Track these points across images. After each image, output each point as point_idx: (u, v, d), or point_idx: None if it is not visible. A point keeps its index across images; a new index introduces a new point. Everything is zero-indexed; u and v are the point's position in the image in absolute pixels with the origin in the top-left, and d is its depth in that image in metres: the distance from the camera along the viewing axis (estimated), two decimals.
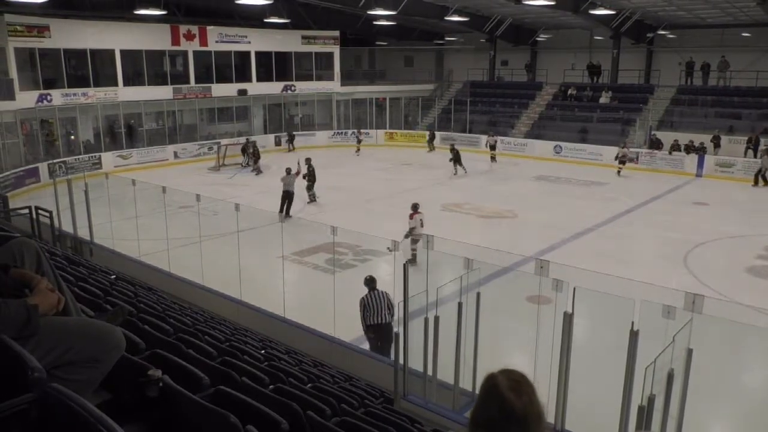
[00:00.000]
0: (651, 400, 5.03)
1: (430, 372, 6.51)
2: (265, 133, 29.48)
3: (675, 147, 24.21)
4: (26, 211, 12.15)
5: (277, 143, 29.19)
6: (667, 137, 24.76)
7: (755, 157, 22.70)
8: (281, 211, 15.84)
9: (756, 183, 21.17)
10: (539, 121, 29.78)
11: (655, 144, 24.85)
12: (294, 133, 29.44)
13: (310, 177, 17.93)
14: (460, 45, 36.93)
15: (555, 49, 33.99)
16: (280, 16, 26.43)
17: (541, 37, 34.70)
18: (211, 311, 8.28)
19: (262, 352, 5.24)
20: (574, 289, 5.60)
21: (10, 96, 20.36)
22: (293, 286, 11.30)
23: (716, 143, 23.67)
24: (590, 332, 8.67)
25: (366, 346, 8.44)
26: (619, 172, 22.84)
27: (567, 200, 18.81)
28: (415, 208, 13.11)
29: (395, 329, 6.79)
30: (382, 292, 8.36)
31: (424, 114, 33.34)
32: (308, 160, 18.01)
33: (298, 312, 9.22)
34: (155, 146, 25.30)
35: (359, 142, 28.69)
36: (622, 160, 23.16)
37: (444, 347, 6.43)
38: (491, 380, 1.61)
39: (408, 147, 29.96)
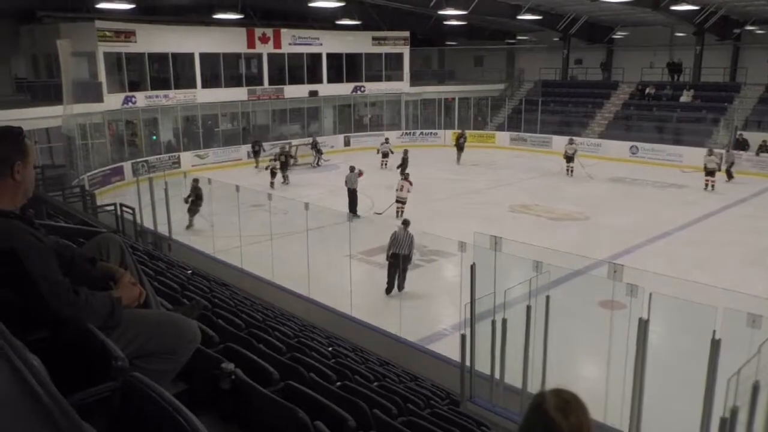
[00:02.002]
0: (734, 412, 4.78)
1: (497, 375, 6.42)
2: (335, 133, 29.90)
3: (763, 148, 22.83)
4: (112, 207, 12.86)
5: (347, 143, 29.54)
6: (754, 138, 23.39)
7: None
8: (350, 210, 16.03)
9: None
10: (614, 121, 28.80)
11: (741, 145, 23.53)
12: (317, 138, 26.79)
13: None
14: (532, 44, 36.21)
15: (632, 47, 32.75)
16: (352, 18, 26.76)
17: (618, 35, 33.52)
18: (281, 308, 8.48)
19: (330, 349, 5.32)
20: (650, 294, 5.39)
21: (99, 98, 21.56)
22: (360, 285, 11.41)
23: None
24: (667, 340, 8.32)
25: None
26: (710, 186, 19.63)
27: (643, 203, 18.10)
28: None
29: (464, 332, 6.72)
30: (410, 233, 10.85)
31: (494, 114, 32.91)
32: (405, 152, 20.34)
33: (364, 311, 9.30)
34: (230, 146, 26.17)
35: (256, 154, 24.57)
36: (728, 170, 20.48)
37: (511, 351, 6.32)
38: (539, 398, 1.57)
39: (477, 147, 29.64)
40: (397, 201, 16.15)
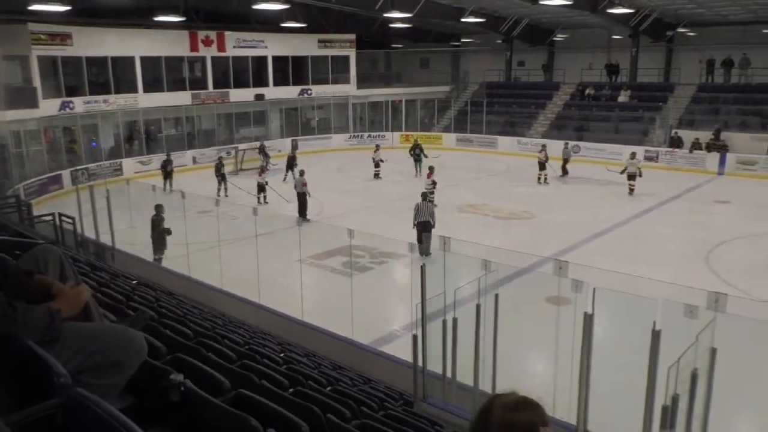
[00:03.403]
0: (675, 399, 4.98)
1: (449, 374, 6.50)
2: (282, 137, 29.65)
3: (696, 145, 23.90)
4: (50, 217, 12.37)
5: (295, 147, 29.34)
6: (687, 136, 24.46)
7: None
8: (300, 214, 15.93)
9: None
10: (556, 121, 29.60)
11: (676, 143, 24.55)
12: (264, 143, 26.16)
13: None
14: (476, 46, 36.86)
15: (572, 49, 33.74)
16: (297, 21, 26.59)
17: (558, 37, 34.47)
18: (231, 315, 8.35)
19: (281, 355, 5.27)
20: (594, 289, 5.56)
21: (34, 104, 20.72)
22: (311, 289, 11.35)
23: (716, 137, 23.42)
24: (611, 333, 8.59)
25: (387, 338, 8.45)
26: (631, 191, 19.16)
27: (585, 200, 18.66)
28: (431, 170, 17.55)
29: (415, 332, 6.78)
30: (428, 204, 13.67)
31: (440, 116, 33.31)
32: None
33: (316, 315, 9.26)
34: (175, 152, 25.59)
35: (167, 175, 20.73)
36: (630, 175, 19.28)
37: (463, 349, 6.41)
38: (490, 399, 1.61)
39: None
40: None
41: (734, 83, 27.89)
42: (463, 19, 27.69)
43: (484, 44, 35.79)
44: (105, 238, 12.47)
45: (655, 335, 5.78)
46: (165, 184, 19.78)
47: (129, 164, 23.54)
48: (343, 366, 6.84)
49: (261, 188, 18.79)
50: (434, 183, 17.29)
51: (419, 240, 12.82)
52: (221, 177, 20.19)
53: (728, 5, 25.35)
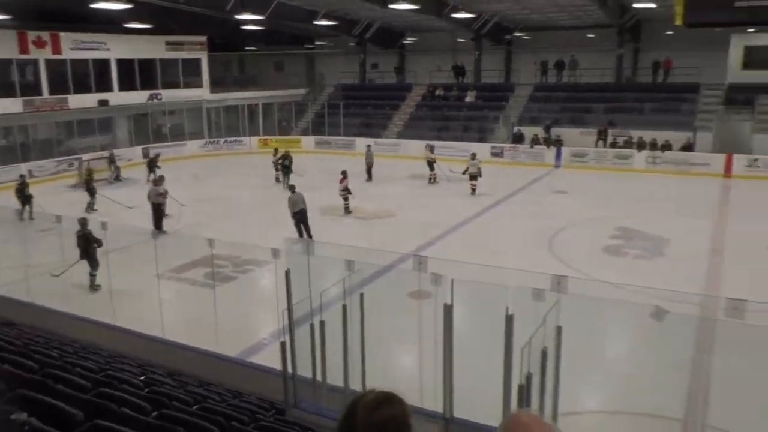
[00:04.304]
0: (529, 378, 5.36)
1: (319, 377, 6.52)
2: (131, 145, 27.91)
3: (535, 141, 25.94)
4: None
5: (145, 155, 27.77)
6: (527, 132, 26.49)
7: (605, 146, 24.94)
8: (155, 226, 15.11)
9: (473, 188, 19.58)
10: (410, 122, 30.68)
11: (518, 139, 26.48)
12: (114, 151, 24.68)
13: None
14: (330, 49, 37.19)
15: (422, 52, 35.17)
16: (142, 21, 25.18)
17: (408, 40, 35.75)
18: (84, 340, 7.75)
19: (142, 378, 5.00)
20: (452, 281, 5.85)
21: None
22: (172, 304, 10.83)
23: (602, 136, 25.49)
24: (471, 321, 9.09)
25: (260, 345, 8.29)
26: (473, 190, 19.40)
27: (441, 197, 19.52)
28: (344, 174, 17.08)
29: (283, 339, 6.72)
30: (299, 193, 14.28)
31: (298, 119, 33.21)
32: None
33: (178, 331, 8.85)
34: (5, 165, 23.12)
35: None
36: (472, 175, 19.40)
37: (332, 351, 6.46)
38: (352, 402, 1.67)
39: None
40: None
41: (565, 83, 30.65)
42: (315, 22, 27.81)
43: (339, 47, 36.22)
44: None
45: (509, 320, 6.20)
46: (23, 212, 16.74)
47: None
48: (210, 382, 6.61)
49: (91, 193, 17.77)
50: (347, 189, 17.10)
51: (299, 232, 13.60)
52: (90, 191, 18.32)
53: (556, 11, 27.79)
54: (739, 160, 22.38)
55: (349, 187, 17.07)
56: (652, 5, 25.18)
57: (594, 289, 10.08)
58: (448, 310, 6.11)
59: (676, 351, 8.00)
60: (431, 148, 22.80)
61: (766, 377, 7.23)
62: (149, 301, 10.02)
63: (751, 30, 26.56)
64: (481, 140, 26.76)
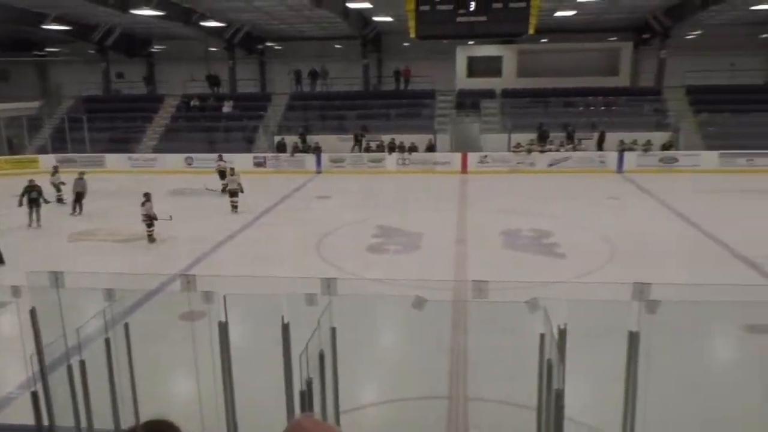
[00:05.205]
0: (309, 383, 5.50)
1: (84, 423, 5.90)
2: None
3: (296, 149, 26.56)
4: None
5: None
6: (291, 140, 26.99)
7: (360, 151, 26.51)
8: None
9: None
10: (166, 134, 29.15)
11: (281, 147, 26.82)
12: None
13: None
14: (67, 56, 33.56)
15: (173, 60, 33.66)
16: None
17: (157, 48, 33.92)
18: None
19: None
20: (224, 297, 5.74)
21: None
22: None
23: (357, 141, 26.70)
24: (248, 334, 8.98)
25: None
26: (234, 208, 18.16)
27: (203, 211, 18.82)
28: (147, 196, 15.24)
29: (34, 388, 5.93)
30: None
31: (33, 136, 29.36)
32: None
33: None
34: None
35: None
36: (232, 192, 18.11)
37: (99, 392, 5.90)
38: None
39: (16, 175, 26.00)
40: None
41: (319, 91, 31.88)
42: (45, 26, 24.85)
43: (77, 54, 32.85)
44: None
45: (285, 328, 6.29)
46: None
47: None
48: None
49: None
50: (151, 215, 15.02)
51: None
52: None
53: (304, 23, 28.76)
54: (473, 158, 25.50)
55: (154, 211, 15.10)
56: (389, 19, 27.51)
57: (362, 287, 10.69)
58: (223, 327, 5.99)
59: (438, 334, 8.88)
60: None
61: (510, 345, 8.38)
62: None
63: (472, 42, 30.55)
64: (241, 150, 26.53)
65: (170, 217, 14.90)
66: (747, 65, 31.46)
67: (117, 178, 24.48)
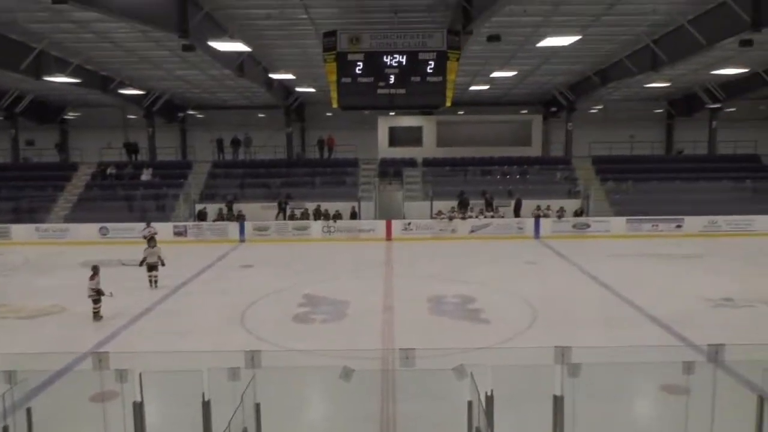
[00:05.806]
0: None
1: None
2: None
3: (222, 217, 26.10)
4: None
5: None
6: (213, 209, 26.51)
7: (284, 219, 26.36)
8: None
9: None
10: (79, 203, 27.96)
11: (202, 216, 26.26)
12: None
13: None
14: None
15: (88, 128, 32.85)
16: None
17: (71, 115, 33.01)
18: None
19: None
20: (140, 375, 5.45)
21: None
22: None
23: (281, 209, 26.57)
24: (166, 414, 8.46)
25: None
26: (154, 282, 17.00)
27: (119, 283, 17.89)
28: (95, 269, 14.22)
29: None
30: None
31: None
32: None
33: None
34: None
35: None
36: (151, 265, 16.90)
37: None
38: None
39: None
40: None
41: (242, 160, 31.81)
42: None
43: None
44: None
45: (206, 406, 5.99)
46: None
47: None
48: None
49: None
50: (98, 290, 13.91)
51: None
52: None
53: (227, 91, 28.95)
54: (397, 225, 25.88)
55: (101, 286, 13.88)
56: (312, 90, 28.16)
57: (288, 359, 10.40)
58: (138, 407, 5.65)
59: (366, 404, 8.69)
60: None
61: (439, 413, 8.31)
62: None
63: (393, 113, 31.65)
64: (161, 219, 25.73)
65: (111, 293, 13.93)
66: (645, 137, 34.31)
67: (22, 249, 23.10)
